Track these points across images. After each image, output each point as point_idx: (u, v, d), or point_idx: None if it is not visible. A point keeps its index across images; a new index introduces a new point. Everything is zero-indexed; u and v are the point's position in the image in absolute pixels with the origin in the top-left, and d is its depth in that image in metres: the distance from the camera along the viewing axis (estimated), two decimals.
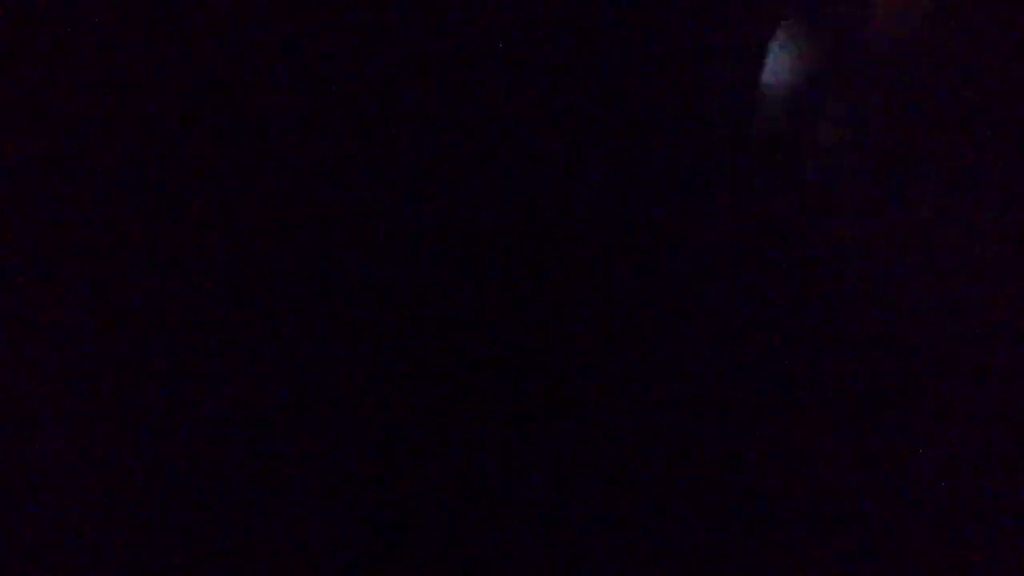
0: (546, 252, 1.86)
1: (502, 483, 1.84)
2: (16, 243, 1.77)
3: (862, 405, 1.85)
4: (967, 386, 1.82)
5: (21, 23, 1.74)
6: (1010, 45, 1.53)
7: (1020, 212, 1.71)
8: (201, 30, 1.80)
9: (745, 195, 1.89)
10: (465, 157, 1.86)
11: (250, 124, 1.83)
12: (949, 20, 1.48)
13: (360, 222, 1.85)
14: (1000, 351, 1.81)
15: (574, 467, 1.84)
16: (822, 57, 1.66)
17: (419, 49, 1.85)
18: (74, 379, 1.79)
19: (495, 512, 1.83)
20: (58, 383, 1.79)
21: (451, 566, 1.81)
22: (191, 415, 1.82)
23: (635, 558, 1.82)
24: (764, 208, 1.88)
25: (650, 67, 1.85)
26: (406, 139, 1.85)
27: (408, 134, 1.85)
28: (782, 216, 1.88)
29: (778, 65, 1.63)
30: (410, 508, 1.83)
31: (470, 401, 1.85)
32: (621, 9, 1.81)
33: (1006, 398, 1.80)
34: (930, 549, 1.80)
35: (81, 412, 1.79)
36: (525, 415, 1.85)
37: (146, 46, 1.78)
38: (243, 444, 1.82)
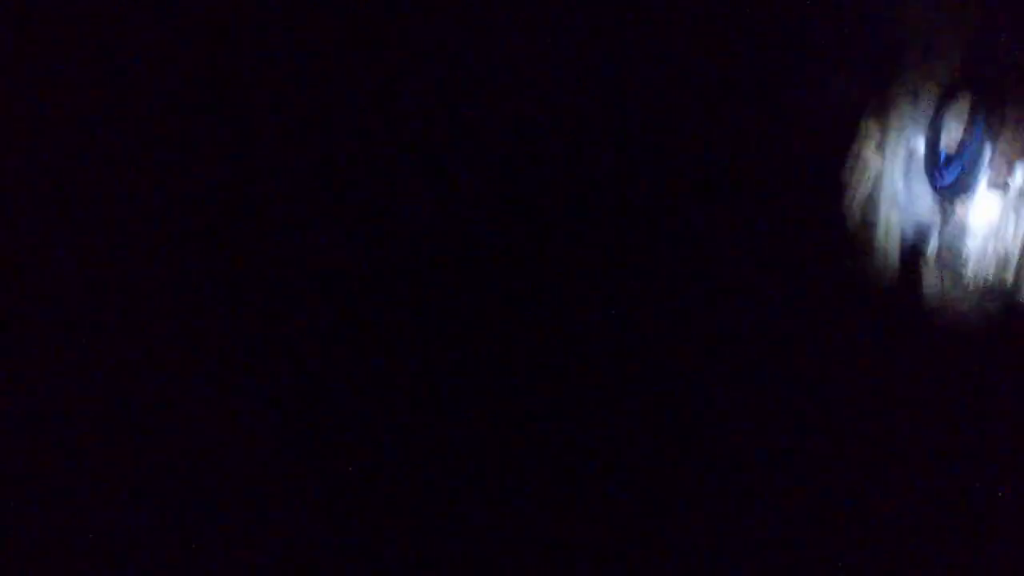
0: (548, 252, 1.86)
1: (501, 483, 1.83)
2: (16, 243, 1.77)
3: (863, 405, 1.85)
4: (969, 386, 1.82)
5: (21, 23, 1.74)
6: None
7: None
8: (201, 30, 1.80)
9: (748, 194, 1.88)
10: (466, 158, 1.86)
11: (249, 124, 1.83)
12: None
13: (359, 222, 1.85)
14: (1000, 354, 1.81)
15: (573, 467, 1.84)
16: None
17: (422, 49, 1.85)
18: (74, 379, 1.78)
19: (495, 512, 1.83)
20: (58, 383, 1.78)
21: (451, 566, 1.81)
22: (191, 415, 1.81)
23: (635, 558, 1.82)
24: (763, 208, 1.87)
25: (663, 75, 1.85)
26: (407, 139, 1.85)
27: (409, 133, 1.85)
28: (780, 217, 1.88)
29: None
30: (409, 508, 1.82)
31: (470, 401, 1.84)
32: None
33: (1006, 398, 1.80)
34: (929, 549, 1.80)
35: (81, 412, 1.78)
36: (524, 415, 1.85)
37: (146, 46, 1.78)
38: (242, 444, 1.82)
